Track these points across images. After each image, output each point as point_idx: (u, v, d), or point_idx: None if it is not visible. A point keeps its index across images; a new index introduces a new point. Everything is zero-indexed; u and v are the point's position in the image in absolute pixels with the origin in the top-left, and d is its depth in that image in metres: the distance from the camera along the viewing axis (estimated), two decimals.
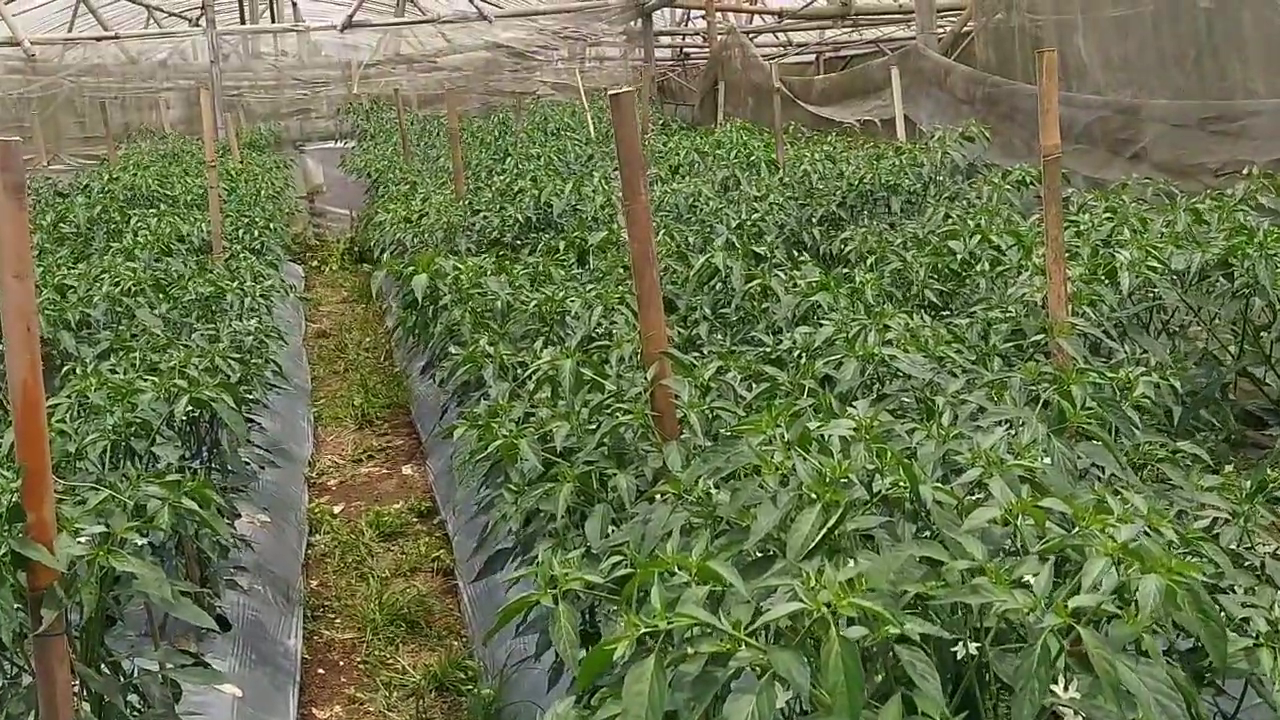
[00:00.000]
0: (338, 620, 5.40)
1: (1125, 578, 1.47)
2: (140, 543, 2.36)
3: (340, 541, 6.15)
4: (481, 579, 4.29)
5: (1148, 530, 1.66)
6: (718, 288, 3.80)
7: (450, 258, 3.97)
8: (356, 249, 13.08)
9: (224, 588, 4.57)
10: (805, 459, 1.72)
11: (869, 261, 3.98)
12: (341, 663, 5.03)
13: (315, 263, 12.95)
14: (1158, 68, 7.24)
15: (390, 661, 4.92)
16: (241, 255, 6.68)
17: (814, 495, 1.65)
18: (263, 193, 10.79)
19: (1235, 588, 2.25)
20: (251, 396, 4.36)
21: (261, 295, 6.21)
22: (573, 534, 2.31)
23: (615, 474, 2.33)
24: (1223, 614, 1.76)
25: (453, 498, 6.44)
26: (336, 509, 6.69)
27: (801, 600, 1.41)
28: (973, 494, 1.85)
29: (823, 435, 1.83)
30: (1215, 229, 3.68)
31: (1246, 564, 2.42)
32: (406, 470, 7.29)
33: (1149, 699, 1.37)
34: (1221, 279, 3.31)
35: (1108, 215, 4.11)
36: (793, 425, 1.83)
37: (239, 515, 4.92)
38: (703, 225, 5.18)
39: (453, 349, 3.49)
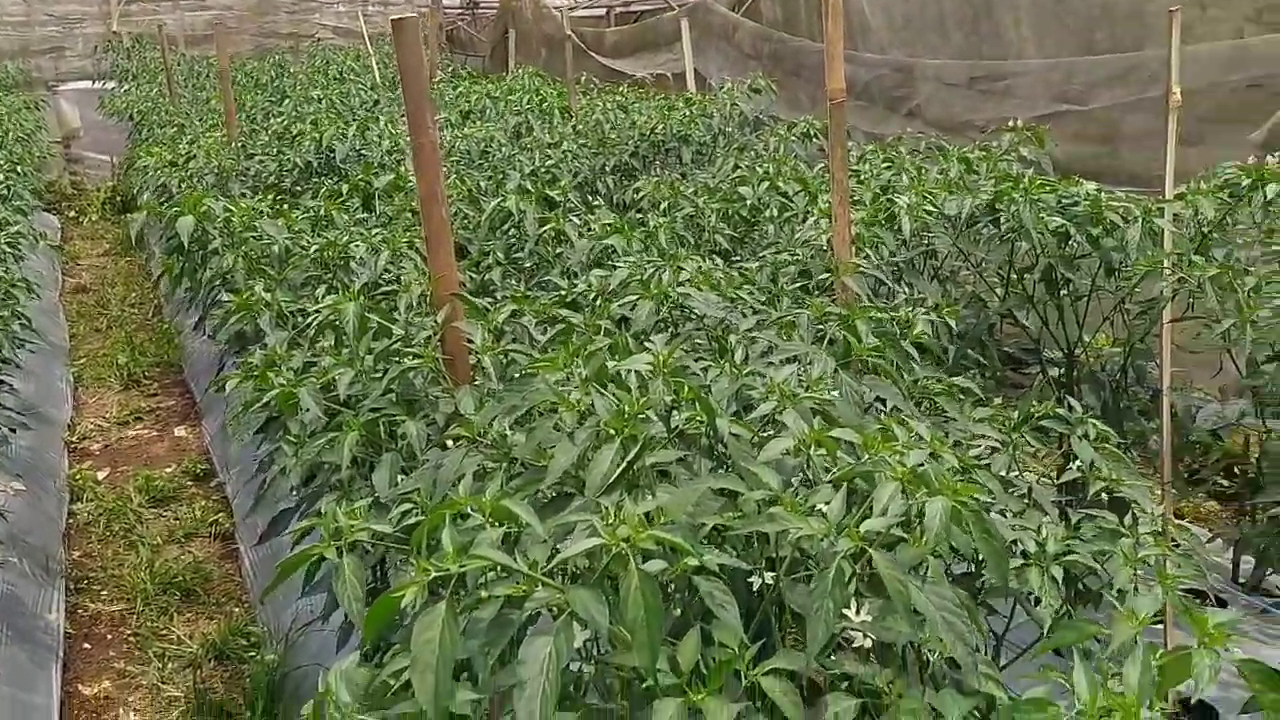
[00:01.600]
0: (104, 592, 5.04)
1: (913, 502, 1.50)
2: None
3: (106, 509, 5.73)
4: (265, 542, 4.07)
5: (932, 456, 1.71)
6: (511, 233, 3.70)
7: (221, 200, 3.69)
8: (119, 198, 12.15)
9: None
10: (603, 395, 1.67)
11: (661, 208, 3.97)
12: (109, 636, 4.70)
13: (73, 213, 11.97)
14: (938, 28, 7.55)
15: (164, 632, 4.63)
16: None
17: (612, 431, 1.61)
18: (9, 134, 9.86)
19: (1006, 512, 2.38)
20: None
21: (8, 243, 5.67)
22: (360, 486, 2.19)
23: (404, 421, 2.22)
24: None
25: (231, 458, 6.11)
26: (101, 474, 6.23)
27: (600, 536, 1.37)
28: (766, 428, 1.85)
29: (619, 372, 1.79)
30: (984, 178, 3.86)
31: (1015, 490, 2.56)
32: (179, 431, 6.86)
33: (936, 617, 1.40)
34: (989, 224, 3.47)
35: (886, 164, 4.26)
36: (590, 362, 1.78)
37: None
38: (495, 171, 5.04)
39: (225, 296, 3.25)
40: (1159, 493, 3.36)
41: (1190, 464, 5.08)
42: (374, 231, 3.58)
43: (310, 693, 3.96)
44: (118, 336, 8.34)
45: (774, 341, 2.35)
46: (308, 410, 2.28)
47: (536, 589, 1.42)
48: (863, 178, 4.18)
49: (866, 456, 1.66)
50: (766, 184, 4.01)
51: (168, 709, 4.20)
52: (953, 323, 3.01)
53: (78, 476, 6.12)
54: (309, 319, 2.80)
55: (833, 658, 1.49)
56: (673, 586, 1.48)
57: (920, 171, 3.99)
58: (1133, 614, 1.38)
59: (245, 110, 8.56)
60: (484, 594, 1.39)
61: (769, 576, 1.58)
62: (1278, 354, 3.00)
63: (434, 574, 1.33)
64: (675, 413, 1.72)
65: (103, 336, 8.50)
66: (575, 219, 3.54)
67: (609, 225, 3.30)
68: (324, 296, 2.93)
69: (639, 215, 3.90)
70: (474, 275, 3.38)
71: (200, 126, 7.95)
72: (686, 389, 1.72)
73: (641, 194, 4.57)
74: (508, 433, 1.88)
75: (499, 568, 1.41)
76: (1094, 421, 2.62)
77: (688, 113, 6.37)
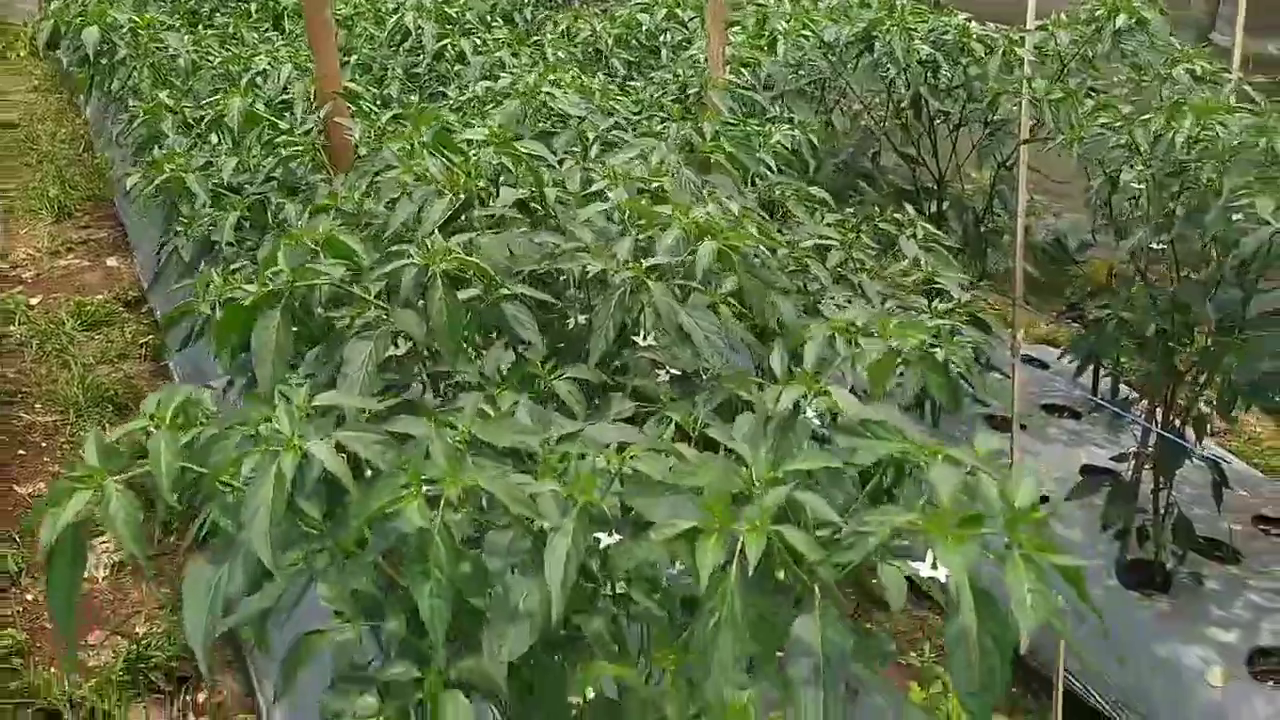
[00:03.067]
0: (38, 405, 5.28)
1: (693, 245, 1.77)
2: None
3: (38, 331, 5.92)
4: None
5: (733, 219, 1.97)
6: (412, 51, 3.85)
7: (126, 13, 3.79)
8: (47, 34, 11.91)
9: None
10: (437, 157, 1.90)
11: (559, 30, 4.12)
12: (44, 444, 4.96)
13: None
14: None
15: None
16: None
17: (445, 188, 1.85)
18: None
19: (834, 297, 2.67)
20: None
21: None
22: (243, 260, 2.43)
23: (285, 203, 2.45)
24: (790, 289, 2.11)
25: (161, 285, 6.30)
26: (33, 300, 6.39)
27: (416, 263, 1.63)
28: (595, 200, 2.10)
29: (463, 142, 2.02)
30: (873, 9, 4.03)
31: (848, 281, 2.84)
32: (111, 261, 7.01)
33: (700, 336, 1.69)
34: (865, 52, 3.67)
35: None
36: (432, 131, 2.01)
37: None
38: None
39: (132, 103, 3.40)
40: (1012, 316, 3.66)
41: (1069, 295, 5.44)
42: (279, 47, 3.71)
43: None
44: (48, 171, 8.36)
45: (627, 139, 2.58)
46: (197, 196, 2.50)
47: (368, 310, 1.68)
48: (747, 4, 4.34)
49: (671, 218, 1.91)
50: (665, 11, 4.17)
51: None
52: (814, 139, 3.25)
53: (9, 302, 6.28)
54: (204, 120, 2.98)
55: (624, 377, 1.78)
56: (488, 310, 1.75)
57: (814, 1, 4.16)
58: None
59: None
60: (320, 310, 1.66)
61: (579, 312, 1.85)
62: (1109, 173, 3.27)
63: (272, 287, 1.58)
64: (506, 174, 1.96)
65: (33, 171, 8.50)
66: (474, 37, 3.71)
67: (501, 40, 3.48)
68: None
69: (537, 39, 4.05)
70: (374, 89, 3.55)
71: None
72: (521, 156, 1.96)
73: (559, 27, 4.70)
74: (368, 201, 2.12)
75: (338, 285, 1.67)
76: (924, 224, 2.90)
77: None
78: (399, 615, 1.33)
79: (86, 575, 4.06)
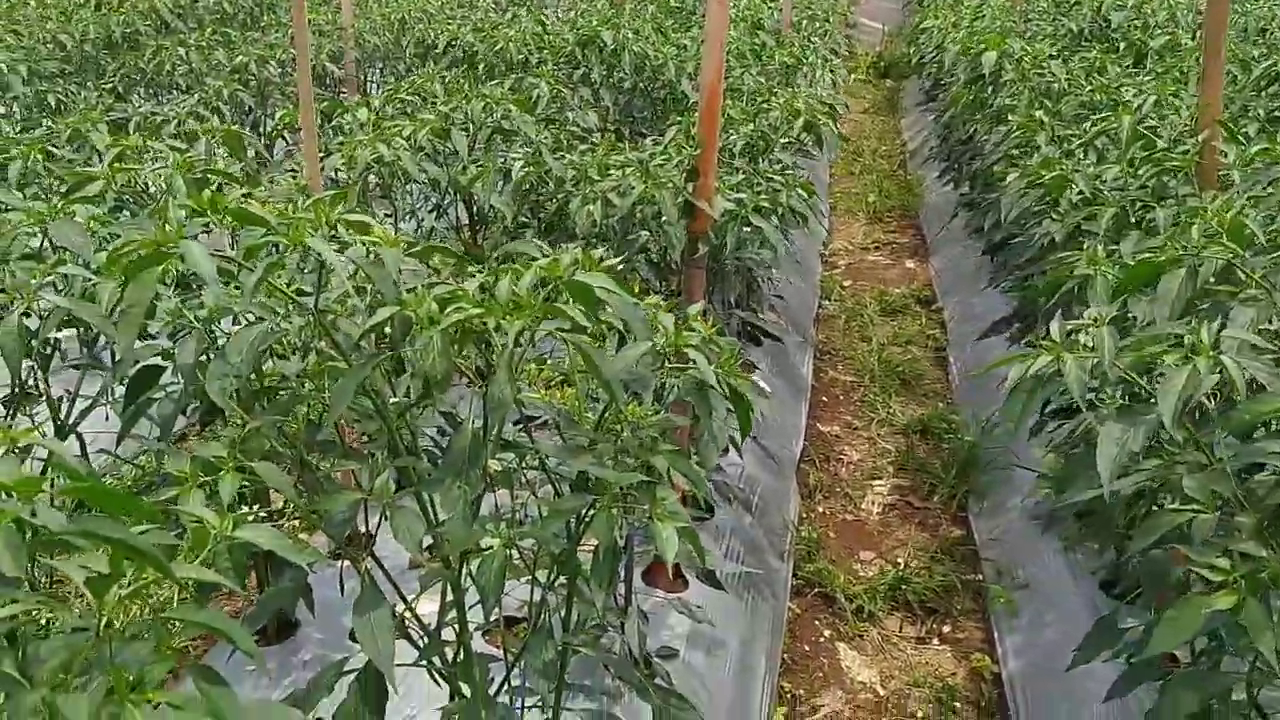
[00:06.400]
0: (840, 366, 6.29)
1: None
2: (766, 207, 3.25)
3: (846, 309, 7.01)
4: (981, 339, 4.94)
5: None
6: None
7: (1019, 39, 4.41)
8: (883, 64, 13.58)
9: (765, 309, 5.58)
10: None
11: None
12: (841, 397, 5.93)
13: (843, 72, 13.64)
14: None
15: (883, 405, 5.72)
16: None
17: None
18: None
19: None
20: None
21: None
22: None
23: (1155, 207, 2.79)
24: None
25: (948, 288, 7.05)
26: (846, 283, 7.54)
27: None
28: None
29: None
30: None
31: None
32: (909, 264, 7.95)
33: None
34: None
35: None
36: None
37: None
38: None
39: (1010, 117, 3.99)
40: None
41: None
42: (1143, 81, 4.07)
43: (995, 469, 4.77)
44: (867, 180, 9.65)
45: None
46: (1074, 188, 2.96)
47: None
48: None
49: None
50: None
51: (880, 457, 5.29)
52: None
53: (828, 281, 7.48)
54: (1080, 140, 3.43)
55: None
56: None
57: None
58: None
59: None
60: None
61: None
62: None
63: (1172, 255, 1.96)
64: None
65: (855, 180, 9.87)
66: None
67: None
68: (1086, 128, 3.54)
69: None
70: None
71: None
72: None
73: None
74: None
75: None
76: None
77: None
78: None
79: (861, 510, 4.86)
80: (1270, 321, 1.96)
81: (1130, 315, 2.23)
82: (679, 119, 4.18)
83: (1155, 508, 1.89)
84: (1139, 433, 1.65)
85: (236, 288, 1.90)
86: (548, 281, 1.64)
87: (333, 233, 1.73)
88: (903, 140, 11.13)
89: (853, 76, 13.29)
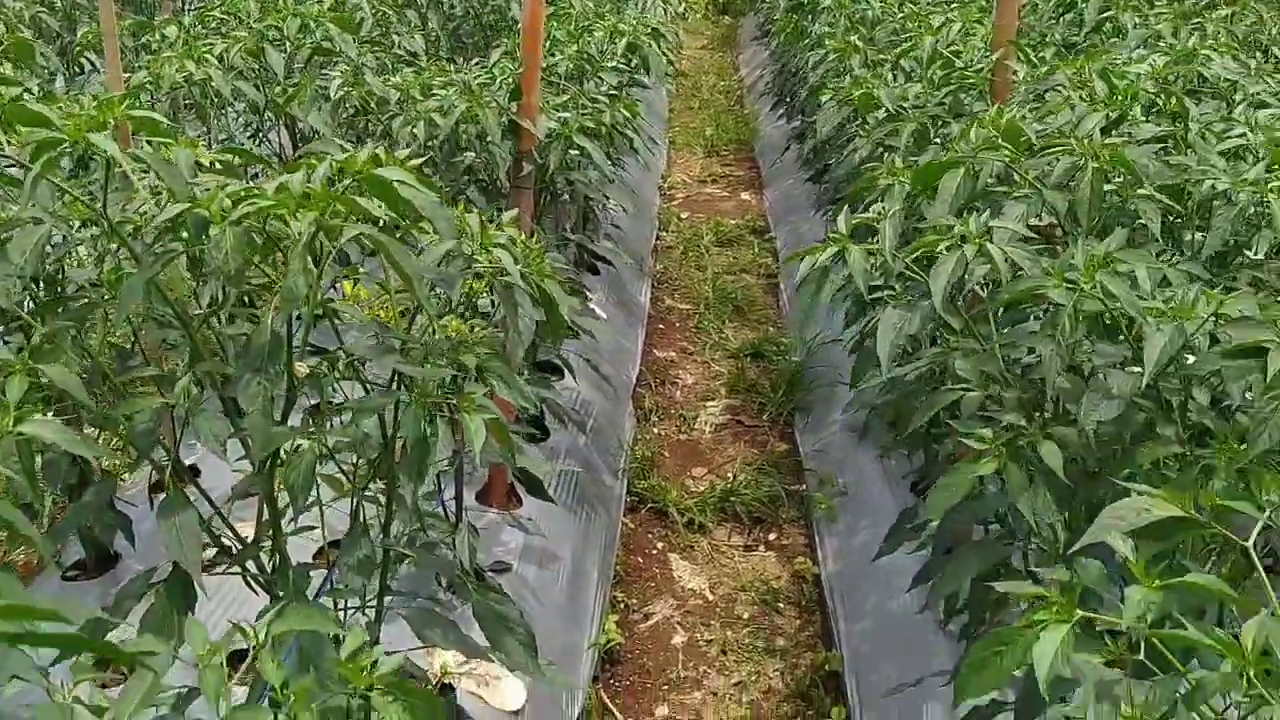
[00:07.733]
0: (676, 294, 6.42)
1: None
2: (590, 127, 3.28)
3: (683, 239, 7.13)
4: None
5: None
6: (1070, 21, 4.18)
7: None
8: (720, 1, 13.70)
9: (601, 238, 5.64)
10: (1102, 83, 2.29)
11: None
12: (677, 324, 6.06)
13: (681, 9, 13.70)
14: None
15: (716, 331, 5.87)
16: None
17: (1099, 106, 2.25)
18: None
19: None
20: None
21: None
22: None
23: (950, 122, 2.96)
24: None
25: (780, 219, 7.26)
26: (683, 215, 7.66)
27: (1074, 154, 2.05)
28: None
29: (1118, 76, 2.39)
30: None
31: None
32: (745, 196, 8.12)
33: None
34: None
35: None
36: None
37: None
38: None
39: (828, 42, 4.12)
40: None
41: None
42: (953, 8, 4.24)
43: (820, 386, 4.98)
44: (705, 115, 9.76)
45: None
46: (882, 108, 3.10)
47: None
48: None
49: None
50: None
51: (713, 380, 5.45)
52: None
53: (666, 213, 7.58)
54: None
55: None
56: None
57: None
58: None
59: None
60: None
61: None
62: None
63: (952, 157, 2.09)
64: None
65: (694, 115, 9.97)
66: (1135, 15, 3.96)
67: (1161, 14, 3.70)
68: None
69: None
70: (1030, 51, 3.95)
71: None
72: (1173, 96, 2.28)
73: None
74: None
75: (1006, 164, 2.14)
76: None
77: None
78: None
79: (695, 430, 5.01)
80: (1039, 217, 2.12)
81: (922, 219, 2.36)
82: (506, 42, 4.16)
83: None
84: (915, 317, 1.78)
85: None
86: (346, 175, 1.65)
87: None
88: (740, 76, 11.27)
89: (694, 14, 13.36)
